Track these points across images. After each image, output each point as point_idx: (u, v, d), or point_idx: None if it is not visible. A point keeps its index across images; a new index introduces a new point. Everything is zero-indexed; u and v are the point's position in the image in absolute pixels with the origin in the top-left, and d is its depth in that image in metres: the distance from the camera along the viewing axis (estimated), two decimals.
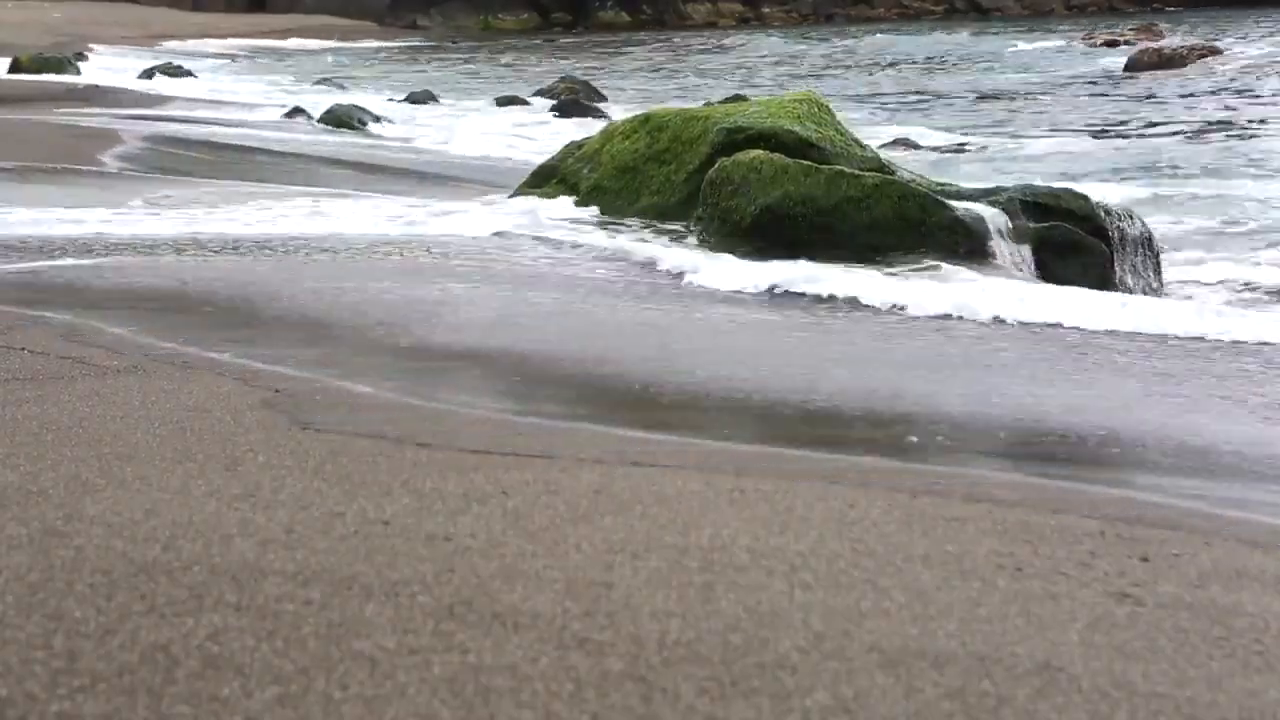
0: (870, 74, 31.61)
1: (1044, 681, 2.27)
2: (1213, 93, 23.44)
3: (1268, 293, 9.26)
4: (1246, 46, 32.78)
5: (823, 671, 2.25)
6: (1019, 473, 3.91)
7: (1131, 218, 9.07)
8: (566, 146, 10.81)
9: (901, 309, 7.06)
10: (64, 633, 2.25)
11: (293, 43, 49.28)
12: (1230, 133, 17.89)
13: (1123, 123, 19.78)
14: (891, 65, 33.98)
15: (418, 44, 50.83)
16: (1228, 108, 21.08)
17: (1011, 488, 3.52)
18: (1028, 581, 2.76)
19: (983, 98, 24.67)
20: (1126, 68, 28.15)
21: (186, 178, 11.56)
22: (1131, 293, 8.71)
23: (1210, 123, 19.17)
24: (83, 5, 52.67)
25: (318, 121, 19.03)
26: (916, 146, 16.73)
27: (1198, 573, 2.91)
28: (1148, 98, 23.17)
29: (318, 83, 28.14)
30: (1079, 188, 9.58)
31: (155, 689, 2.07)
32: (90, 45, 38.66)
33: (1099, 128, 19.26)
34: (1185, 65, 27.75)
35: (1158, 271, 9.07)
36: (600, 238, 8.96)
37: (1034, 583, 2.75)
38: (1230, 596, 2.77)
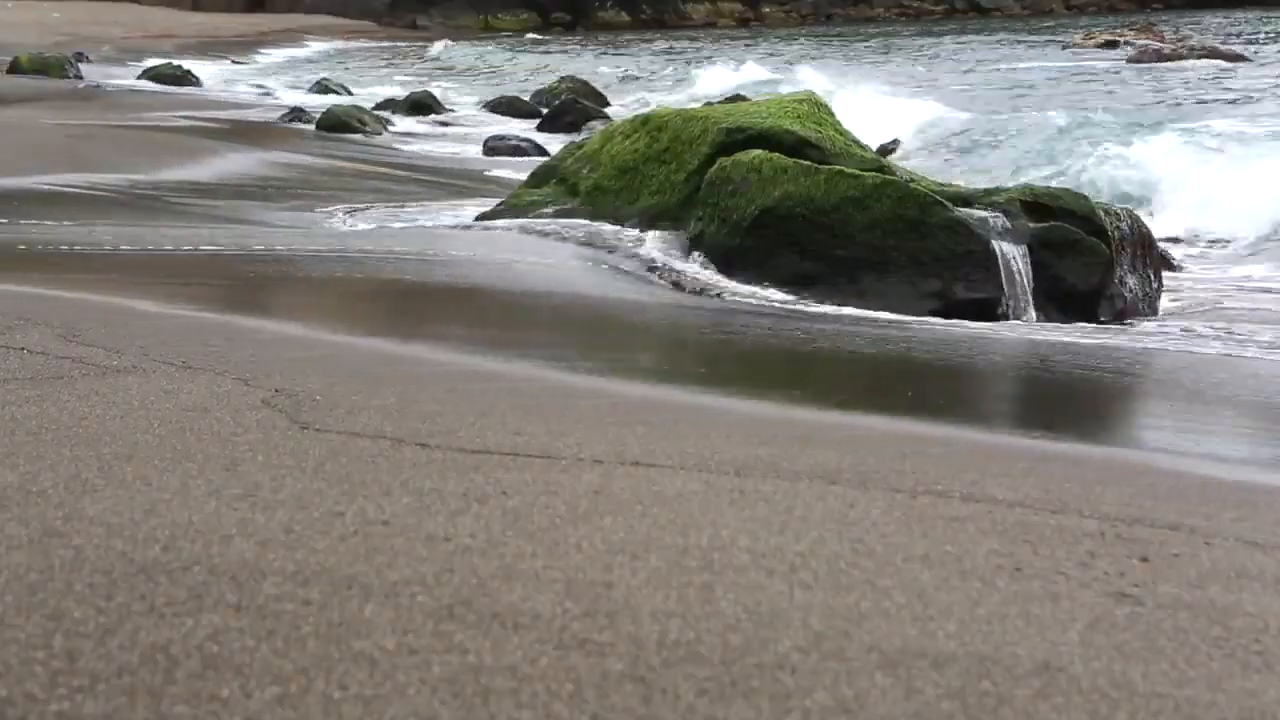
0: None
1: (1044, 681, 2.27)
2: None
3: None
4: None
5: (823, 672, 2.25)
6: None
7: (1132, 217, 9.08)
8: (567, 146, 10.83)
9: None
10: (64, 633, 2.25)
11: (292, 42, 49.22)
12: None
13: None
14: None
15: (417, 44, 50.76)
16: None
17: (1011, 488, 3.52)
18: (1027, 581, 2.76)
19: None
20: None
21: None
22: (1133, 292, 8.72)
23: None
24: (82, 5, 52.65)
25: (316, 123, 19.03)
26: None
27: (1198, 573, 2.91)
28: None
29: (317, 84, 28.13)
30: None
31: (155, 689, 2.07)
32: (101, 45, 38.61)
33: None
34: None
35: (1158, 272, 9.08)
36: None
37: (1034, 583, 2.76)
38: (1230, 596, 2.77)
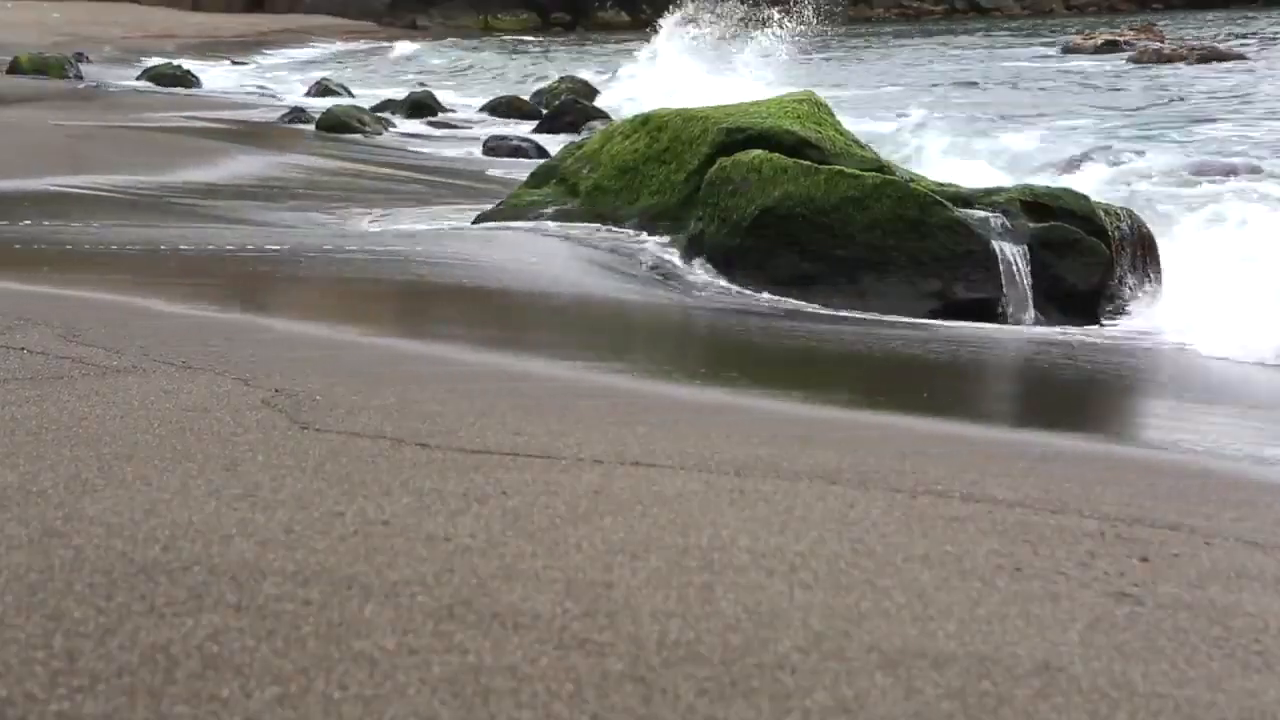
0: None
1: (1044, 681, 2.27)
2: None
3: None
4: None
5: (823, 672, 2.25)
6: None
7: (1132, 217, 9.07)
8: (567, 146, 10.81)
9: None
10: (64, 633, 2.25)
11: (292, 42, 49.18)
12: None
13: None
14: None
15: (417, 43, 50.71)
16: None
17: (1011, 488, 3.52)
18: (1027, 581, 2.76)
19: None
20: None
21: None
22: (1132, 292, 8.71)
23: None
24: (82, 5, 52.64)
25: (316, 124, 19.02)
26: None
27: (1198, 573, 2.91)
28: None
29: (317, 84, 28.11)
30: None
31: (155, 689, 2.07)
32: (101, 45, 38.55)
33: None
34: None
35: (1158, 271, 9.07)
36: None
37: (1034, 583, 2.76)
38: (1230, 596, 2.77)
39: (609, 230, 9.44)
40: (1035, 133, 17.58)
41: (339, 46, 48.74)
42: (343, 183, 12.96)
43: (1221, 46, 31.43)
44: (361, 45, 47.84)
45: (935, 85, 27.12)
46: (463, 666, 2.19)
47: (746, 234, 8.72)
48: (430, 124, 21.39)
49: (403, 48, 44.83)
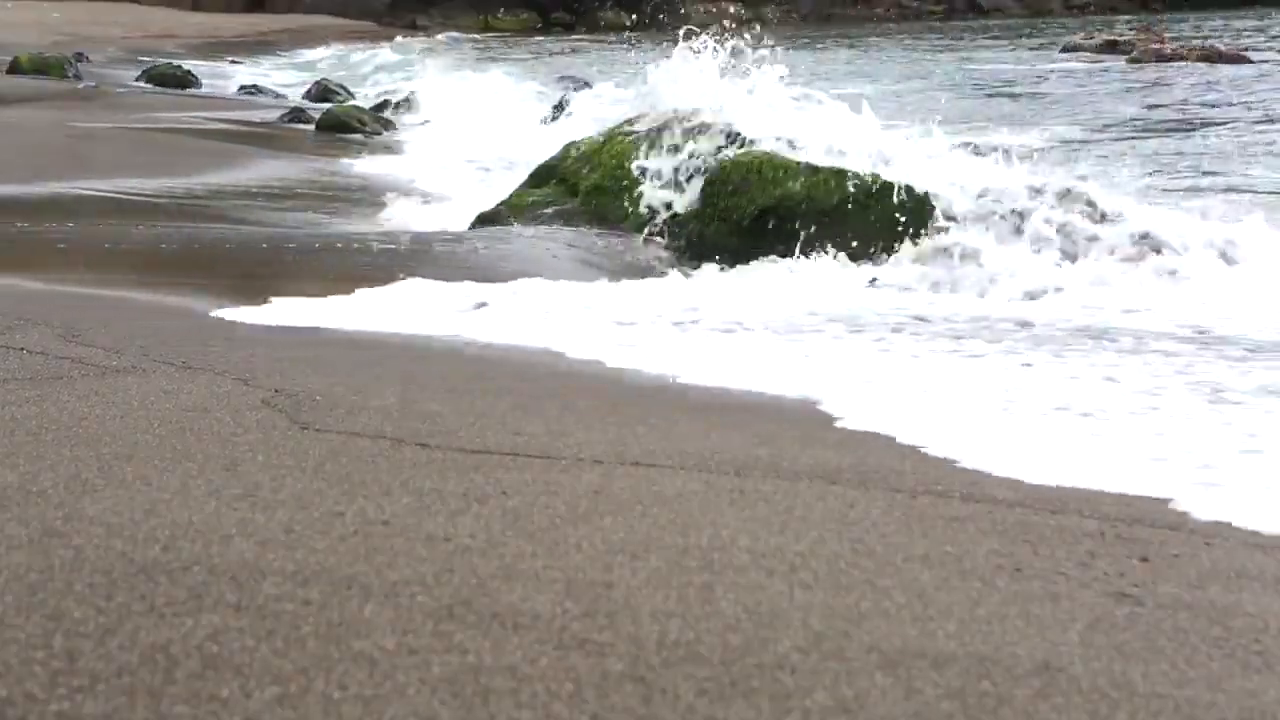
0: None
1: (1044, 681, 2.27)
2: None
3: None
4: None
5: (823, 672, 2.25)
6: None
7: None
8: (566, 146, 10.79)
9: None
10: (64, 633, 2.25)
11: (292, 41, 49.15)
12: None
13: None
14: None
15: (417, 44, 50.69)
16: None
17: (1011, 488, 3.52)
18: (1027, 582, 2.76)
19: None
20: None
21: None
22: None
23: None
24: (82, 5, 52.59)
25: (316, 124, 18.99)
26: None
27: (1197, 573, 2.91)
28: None
29: (316, 84, 28.05)
30: None
31: (155, 689, 2.07)
32: (101, 45, 38.49)
33: None
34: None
35: None
36: None
37: (1034, 583, 2.76)
38: (1230, 596, 2.77)
39: (609, 230, 9.43)
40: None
41: (340, 45, 48.56)
42: (344, 182, 12.96)
43: (1223, 47, 31.38)
44: (393, 44, 47.13)
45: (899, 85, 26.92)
46: (463, 666, 2.19)
47: (746, 234, 8.72)
48: (430, 123, 21.34)
49: (311, 53, 43.20)
